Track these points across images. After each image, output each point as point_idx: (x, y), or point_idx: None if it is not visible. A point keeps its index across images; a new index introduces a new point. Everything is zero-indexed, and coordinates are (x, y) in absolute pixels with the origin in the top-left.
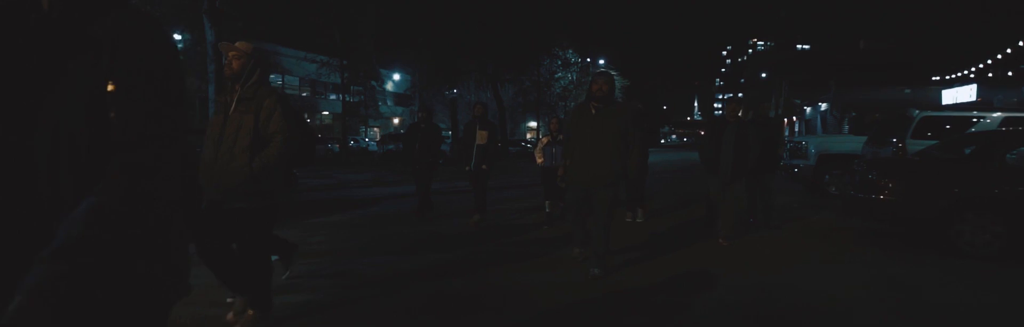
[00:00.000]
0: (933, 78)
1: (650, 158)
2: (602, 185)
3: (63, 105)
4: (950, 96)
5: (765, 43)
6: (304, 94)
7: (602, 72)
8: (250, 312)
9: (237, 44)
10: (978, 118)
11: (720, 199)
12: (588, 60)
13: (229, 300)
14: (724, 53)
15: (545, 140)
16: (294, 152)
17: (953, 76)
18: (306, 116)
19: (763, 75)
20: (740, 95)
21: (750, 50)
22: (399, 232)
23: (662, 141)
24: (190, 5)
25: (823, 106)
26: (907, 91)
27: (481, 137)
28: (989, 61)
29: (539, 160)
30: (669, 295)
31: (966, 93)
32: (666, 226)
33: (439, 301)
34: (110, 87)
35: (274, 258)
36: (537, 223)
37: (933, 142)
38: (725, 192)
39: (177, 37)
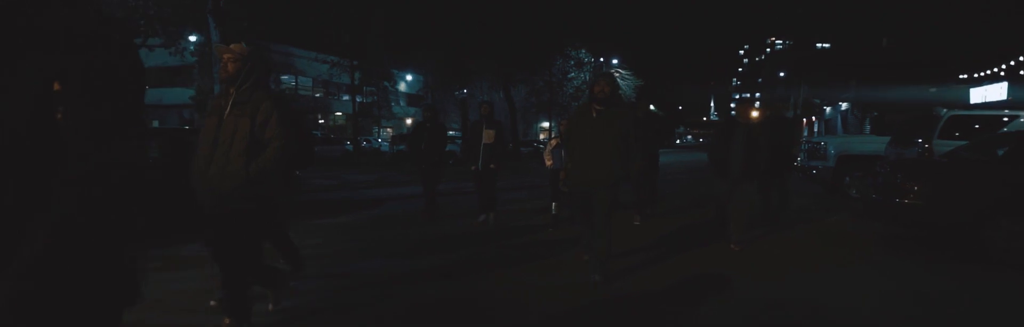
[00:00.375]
0: (960, 76)
1: (664, 159)
2: (603, 186)
3: (4, 105)
4: (979, 94)
5: (784, 42)
6: (317, 95)
7: (604, 73)
8: (226, 321)
9: (232, 46)
10: (1011, 117)
11: (728, 202)
12: (601, 60)
13: (212, 303)
14: (741, 52)
15: (555, 142)
16: (292, 156)
17: (982, 74)
18: (319, 117)
19: (781, 74)
20: (758, 95)
21: (768, 49)
22: (401, 234)
23: (677, 141)
24: (194, 5)
25: (844, 106)
26: (932, 90)
27: (488, 136)
28: (1021, 58)
29: (548, 162)
30: (673, 303)
31: (996, 91)
32: (676, 228)
33: (432, 306)
34: (57, 86)
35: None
36: (543, 225)
37: (962, 143)
38: (734, 194)
39: (193, 38)
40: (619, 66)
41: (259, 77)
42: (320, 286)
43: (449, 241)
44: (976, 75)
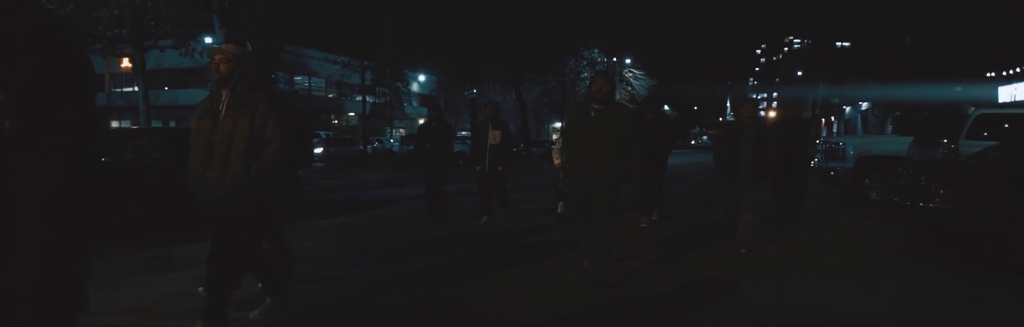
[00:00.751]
0: (987, 74)
1: (679, 159)
2: (603, 186)
3: None
4: (1007, 93)
5: (801, 41)
6: (330, 95)
7: (602, 72)
8: (200, 324)
9: (223, 46)
10: None
11: (737, 203)
12: (614, 60)
13: (200, 289)
14: (758, 51)
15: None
16: (292, 157)
17: (1011, 72)
18: (333, 117)
19: (799, 74)
20: (766, 95)
21: (785, 48)
22: (400, 235)
23: (693, 142)
24: (199, 5)
25: (864, 105)
26: (958, 89)
27: (493, 137)
28: None
29: (557, 161)
30: (674, 306)
31: None
32: (683, 230)
33: (430, 307)
34: None
35: None
36: (548, 226)
37: (992, 143)
38: (743, 196)
39: (209, 40)
40: (632, 66)
41: (256, 78)
42: (319, 287)
43: (449, 242)
44: (1005, 73)
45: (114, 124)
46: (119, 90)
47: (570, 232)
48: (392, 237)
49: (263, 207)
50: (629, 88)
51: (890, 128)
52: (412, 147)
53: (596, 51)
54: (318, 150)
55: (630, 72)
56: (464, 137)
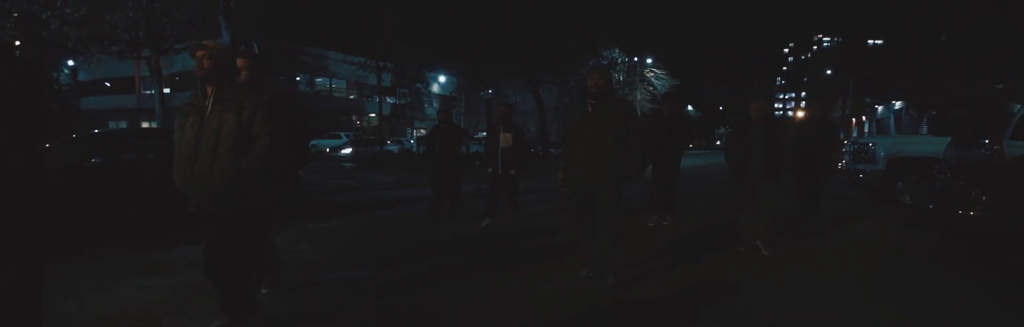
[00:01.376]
0: None
1: (702, 160)
2: (604, 186)
3: None
4: None
5: (831, 39)
6: (351, 97)
7: (597, 66)
8: (225, 318)
9: (205, 42)
10: None
11: (750, 203)
12: (635, 59)
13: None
14: (786, 50)
15: None
16: (284, 154)
17: None
18: (354, 118)
19: (829, 72)
20: (803, 95)
21: (814, 47)
22: (402, 236)
23: (718, 142)
24: (208, 5)
25: (897, 104)
26: (999, 86)
27: (505, 139)
28: None
29: None
30: (675, 309)
31: None
32: (693, 231)
33: (415, 312)
34: None
35: None
36: (554, 226)
37: None
38: (757, 196)
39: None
40: (654, 65)
41: (252, 75)
42: (317, 289)
43: (451, 243)
44: None
45: (144, 125)
46: (148, 92)
47: (576, 233)
48: (393, 238)
49: (258, 205)
50: (650, 88)
51: (925, 128)
52: (425, 147)
53: (617, 51)
54: (347, 150)
55: (651, 72)
56: (481, 138)
